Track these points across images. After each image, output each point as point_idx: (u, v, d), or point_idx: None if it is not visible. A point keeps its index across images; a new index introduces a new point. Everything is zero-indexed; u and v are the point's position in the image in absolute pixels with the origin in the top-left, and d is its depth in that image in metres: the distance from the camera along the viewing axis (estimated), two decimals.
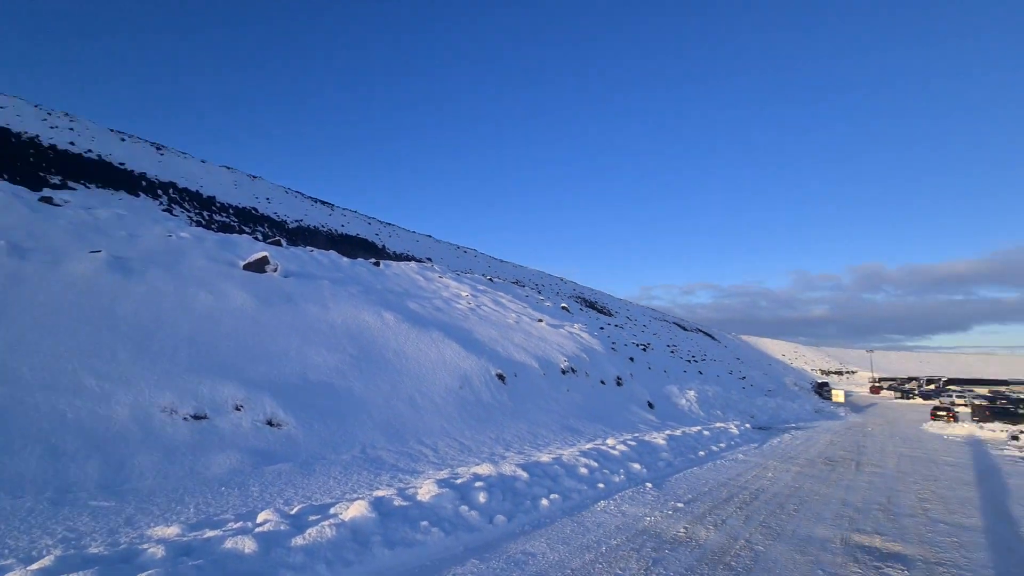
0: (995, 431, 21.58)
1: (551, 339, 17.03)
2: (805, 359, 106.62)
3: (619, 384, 16.97)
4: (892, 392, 64.10)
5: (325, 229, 44.77)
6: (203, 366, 7.89)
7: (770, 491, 8.06)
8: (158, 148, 46.75)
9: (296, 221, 43.20)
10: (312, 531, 4.32)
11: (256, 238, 22.14)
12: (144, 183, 33.26)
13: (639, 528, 5.80)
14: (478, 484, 6.11)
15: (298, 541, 4.17)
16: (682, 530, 5.79)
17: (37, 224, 10.73)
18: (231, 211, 37.19)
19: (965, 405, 37.15)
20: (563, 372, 14.68)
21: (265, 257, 12.98)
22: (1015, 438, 18.75)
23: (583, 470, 7.76)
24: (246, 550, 3.92)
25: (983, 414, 29.97)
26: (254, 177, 54.90)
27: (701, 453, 11.38)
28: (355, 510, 4.75)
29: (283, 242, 19.14)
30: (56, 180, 25.25)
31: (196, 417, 6.86)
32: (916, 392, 57.82)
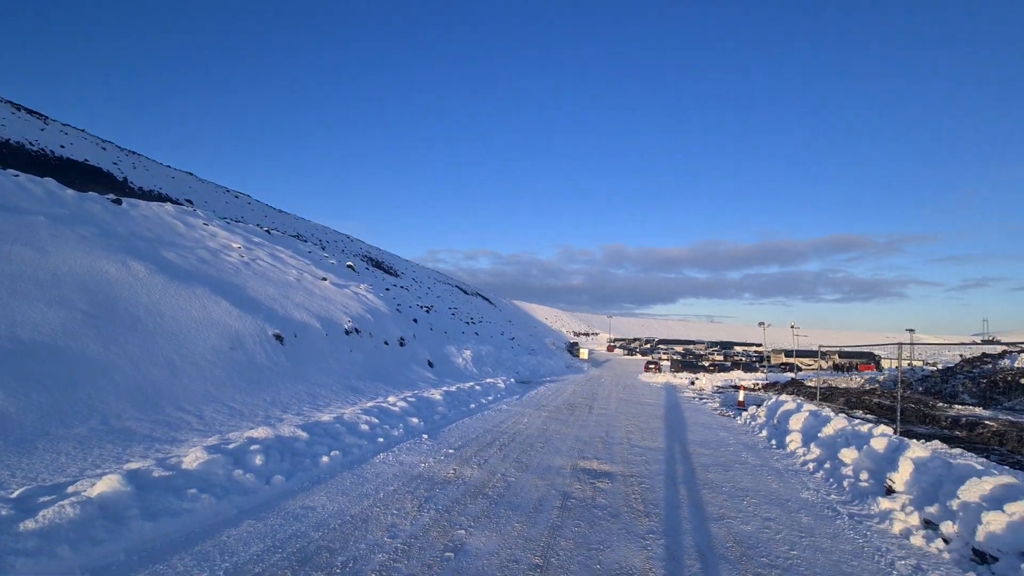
0: (682, 378, 28.67)
1: (335, 299, 16.60)
2: (563, 322, 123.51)
3: (402, 345, 17.54)
4: (622, 350, 79.14)
5: (35, 148, 34.27)
6: None
7: (524, 434, 9.61)
8: None
9: None
10: (47, 512, 3.80)
11: None
12: None
13: (414, 474, 6.47)
14: (254, 447, 5.97)
15: (29, 525, 3.64)
16: (451, 471, 6.65)
17: None
18: None
19: (667, 360, 48.11)
20: (347, 333, 14.57)
21: None
22: (692, 383, 25.30)
23: (364, 427, 8.11)
24: None
25: (677, 366, 39.27)
26: None
27: (472, 405, 12.73)
28: (104, 485, 4.28)
29: None
30: None
31: None
32: (638, 350, 72.68)
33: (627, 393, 19.76)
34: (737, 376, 33.02)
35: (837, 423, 8.60)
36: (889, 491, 5.99)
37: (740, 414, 13.86)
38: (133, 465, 5.04)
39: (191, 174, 57.15)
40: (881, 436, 7.14)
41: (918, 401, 19.13)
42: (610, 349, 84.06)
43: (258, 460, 5.72)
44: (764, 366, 43.04)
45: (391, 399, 10.56)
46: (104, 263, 10.19)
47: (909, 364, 35.97)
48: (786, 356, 54.34)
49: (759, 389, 23.13)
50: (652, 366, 37.13)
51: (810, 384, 24.95)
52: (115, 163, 42.49)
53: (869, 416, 14.95)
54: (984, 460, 8.94)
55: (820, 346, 21.05)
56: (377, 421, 8.56)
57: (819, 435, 8.52)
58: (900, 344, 11.07)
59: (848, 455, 7.21)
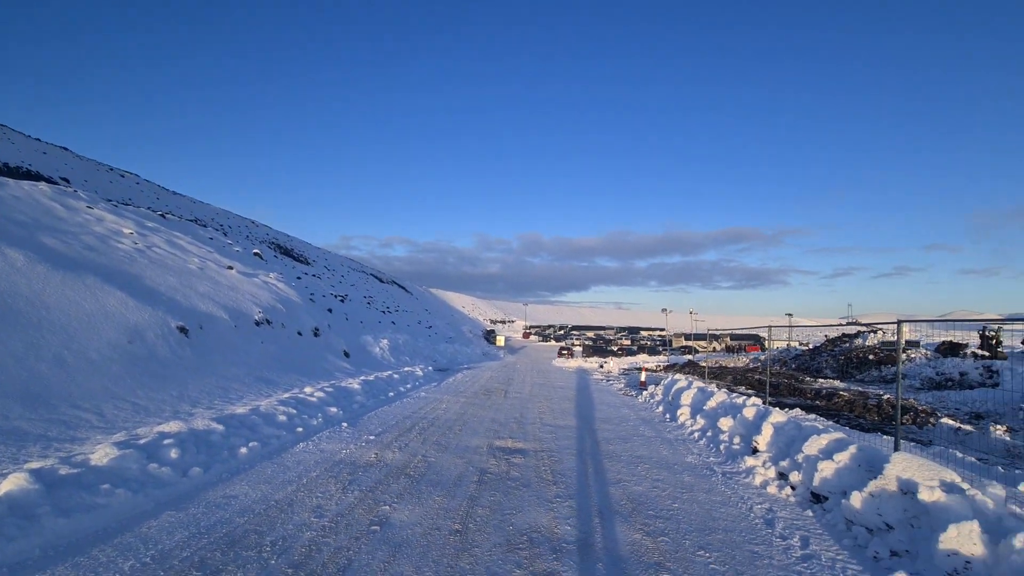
0: (592, 363, 30.34)
1: (244, 289, 15.90)
2: (480, 310, 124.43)
3: (316, 335, 17.18)
4: (538, 337, 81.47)
5: None
6: None
7: (443, 418, 10.01)
8: None
9: None
10: None
11: None
12: None
13: (336, 460, 6.67)
14: (167, 441, 5.88)
15: None
16: (373, 456, 6.92)
17: None
18: None
19: (580, 346, 50.37)
20: (257, 324, 14.08)
21: None
22: (601, 366, 26.92)
23: (282, 417, 8.11)
24: None
25: (589, 351, 41.31)
26: None
27: (391, 394, 12.90)
28: (10, 483, 4.14)
29: None
30: None
31: None
32: (552, 336, 75.23)
33: (541, 378, 20.73)
34: (642, 359, 35.46)
35: (718, 397, 9.86)
36: (754, 451, 7.10)
37: (641, 393, 15.18)
38: (34, 464, 4.84)
39: (66, 149, 50.75)
40: (751, 406, 8.35)
41: (790, 376, 21.83)
42: (526, 336, 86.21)
43: (173, 454, 5.66)
44: (666, 349, 46.43)
45: (308, 390, 10.50)
46: None
47: (787, 344, 40.50)
48: (686, 340, 58.91)
49: (660, 370, 25.15)
50: (565, 352, 38.80)
51: (703, 364, 27.50)
52: None
53: (750, 391, 16.90)
54: (832, 423, 10.65)
55: (709, 330, 23.31)
56: (295, 412, 8.57)
57: (704, 408, 9.72)
58: (770, 327, 12.74)
59: (725, 423, 8.36)
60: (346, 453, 7.01)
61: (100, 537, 4.06)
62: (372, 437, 8.06)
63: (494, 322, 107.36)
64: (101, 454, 5.17)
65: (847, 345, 27.14)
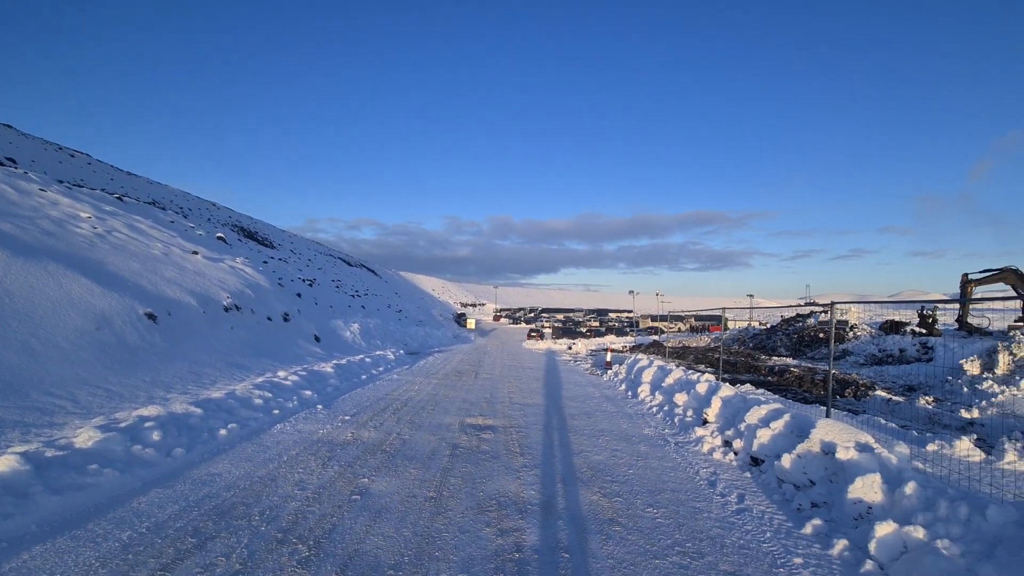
0: (562, 344, 31.09)
1: (210, 274, 15.77)
2: (450, 293, 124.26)
3: (286, 320, 17.20)
4: (508, 320, 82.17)
5: None
6: None
7: (416, 399, 10.39)
8: None
9: None
10: None
11: None
12: None
13: (314, 439, 6.98)
14: (148, 424, 6.08)
15: None
16: (349, 435, 7.26)
17: None
18: None
19: (549, 328, 51.26)
20: (226, 309, 14.06)
21: None
22: (570, 348, 27.67)
23: (258, 400, 8.34)
24: None
25: (558, 333, 42.11)
26: None
27: (364, 377, 13.18)
28: (2, 464, 4.34)
29: None
30: None
31: None
32: (523, 319, 76.04)
33: (511, 360, 21.27)
34: (610, 340, 36.48)
35: (676, 374, 10.53)
36: (704, 422, 7.75)
37: (606, 372, 15.86)
38: (19, 448, 5.01)
39: (9, 127, 47.98)
40: (704, 382, 9.02)
41: (748, 355, 23.00)
42: (496, 319, 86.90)
43: (155, 436, 5.88)
44: (634, 331, 47.78)
45: (282, 374, 10.69)
46: None
47: (748, 324, 42.25)
48: (652, 321, 60.57)
49: (626, 351, 26.06)
50: (535, 334, 39.56)
51: (668, 345, 28.56)
52: None
53: (709, 368, 17.83)
54: (779, 397, 11.49)
55: (670, 312, 24.23)
56: (271, 395, 8.80)
57: (662, 384, 10.38)
58: (724, 309, 13.53)
59: (680, 398, 9.01)
60: (323, 433, 7.32)
61: (94, 512, 4.31)
62: (348, 417, 8.39)
63: (465, 305, 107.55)
64: (85, 437, 5.36)
65: (800, 324, 28.60)
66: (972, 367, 13.46)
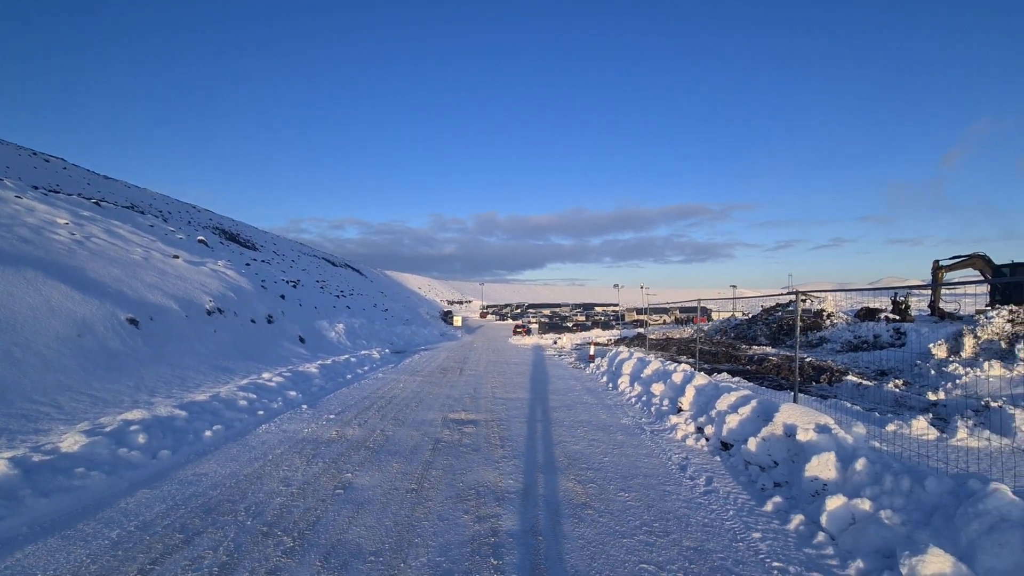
0: (548, 339, 31.37)
1: (192, 278, 15.72)
2: (436, 291, 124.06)
3: (270, 322, 17.22)
4: (495, 316, 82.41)
5: None
6: None
7: (400, 397, 10.55)
8: None
9: None
10: None
11: None
12: None
13: (299, 438, 7.12)
14: (133, 428, 6.18)
15: None
16: (334, 433, 7.41)
17: None
18: None
19: (536, 323, 51.56)
20: (209, 313, 14.06)
21: None
22: (555, 342, 27.94)
23: (243, 402, 8.45)
24: None
25: (544, 328, 42.42)
26: None
27: (349, 376, 13.29)
28: None
29: None
30: None
31: None
32: (510, 315, 76.32)
33: (496, 356, 21.49)
34: (596, 334, 36.88)
35: (654, 365, 10.82)
36: (679, 410, 8.03)
37: (589, 365, 16.15)
38: (6, 454, 5.10)
39: None
40: (679, 372, 9.31)
41: (729, 344, 23.46)
42: (483, 316, 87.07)
43: (140, 439, 5.99)
44: (619, 324, 48.27)
45: (266, 375, 10.78)
46: None
47: (731, 315, 42.94)
48: (638, 314, 61.23)
49: (611, 344, 26.41)
50: (521, 329, 39.82)
51: (652, 337, 28.99)
52: None
53: (690, 359, 18.20)
54: (755, 385, 11.85)
55: (649, 304, 24.57)
56: (255, 397, 8.90)
57: (641, 375, 10.66)
58: (699, 299, 13.88)
59: (657, 388, 9.29)
60: (308, 432, 7.46)
61: (83, 513, 4.43)
62: (332, 416, 8.53)
63: (451, 303, 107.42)
64: (71, 441, 5.46)
65: (779, 314, 29.19)
66: (939, 351, 13.96)
